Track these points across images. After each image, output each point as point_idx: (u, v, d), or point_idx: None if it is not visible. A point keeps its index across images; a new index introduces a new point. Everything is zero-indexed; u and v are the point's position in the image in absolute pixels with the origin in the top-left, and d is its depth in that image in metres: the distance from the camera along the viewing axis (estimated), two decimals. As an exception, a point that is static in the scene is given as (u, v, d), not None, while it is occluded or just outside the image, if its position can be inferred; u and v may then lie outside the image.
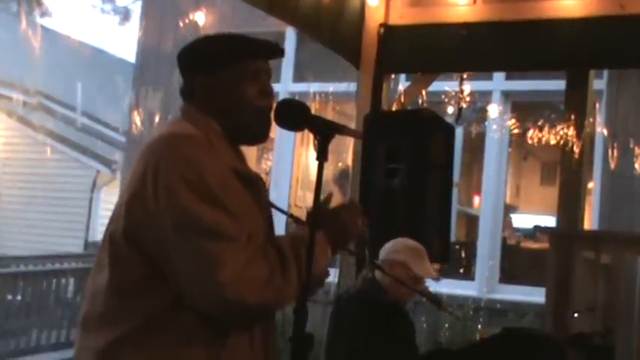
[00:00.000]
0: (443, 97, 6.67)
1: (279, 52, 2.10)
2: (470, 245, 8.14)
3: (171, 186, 1.80)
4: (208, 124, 1.98)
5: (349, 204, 2.06)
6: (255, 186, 2.00)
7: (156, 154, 1.86)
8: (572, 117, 4.92)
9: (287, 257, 1.85)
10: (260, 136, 2.08)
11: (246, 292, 1.77)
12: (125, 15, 17.94)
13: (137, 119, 8.35)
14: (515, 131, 7.89)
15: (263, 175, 2.18)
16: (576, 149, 4.85)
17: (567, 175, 4.98)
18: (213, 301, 1.78)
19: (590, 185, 6.81)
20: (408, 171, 4.44)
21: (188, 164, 1.81)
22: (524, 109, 8.25)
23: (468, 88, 5.90)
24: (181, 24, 6.37)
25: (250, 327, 1.91)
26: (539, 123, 7.86)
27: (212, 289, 1.76)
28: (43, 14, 16.55)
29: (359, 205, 2.08)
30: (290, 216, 2.19)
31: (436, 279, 3.58)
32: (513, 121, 7.77)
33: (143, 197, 1.83)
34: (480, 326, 6.80)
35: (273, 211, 2.13)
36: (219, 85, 2.00)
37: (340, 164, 8.78)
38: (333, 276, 4.43)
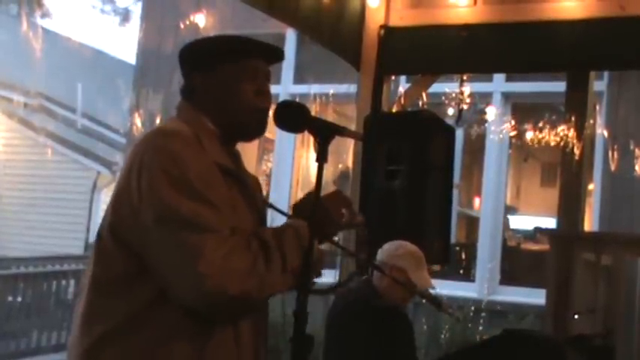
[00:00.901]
0: (443, 98, 6.67)
1: (279, 55, 2.12)
2: (470, 247, 8.15)
3: (153, 180, 1.82)
4: (200, 121, 1.99)
5: (333, 192, 2.04)
6: (245, 184, 2.00)
7: (142, 149, 1.88)
8: (573, 118, 4.93)
9: (270, 246, 1.85)
10: (253, 135, 2.08)
11: (228, 282, 1.76)
12: (125, 16, 17.98)
13: (137, 121, 8.36)
14: (516, 133, 7.89)
15: (263, 177, 2.18)
16: (577, 151, 4.85)
17: (567, 176, 4.98)
18: (195, 294, 1.77)
19: (591, 187, 6.81)
20: (408, 173, 4.44)
21: (171, 159, 1.83)
22: (524, 110, 8.25)
23: (468, 89, 5.92)
24: (182, 25, 6.37)
25: (236, 322, 1.90)
26: (540, 124, 7.86)
27: (193, 280, 1.76)
28: (44, 15, 16.58)
29: (344, 195, 2.07)
30: (290, 217, 2.19)
31: (432, 289, 3.57)
32: (513, 122, 7.77)
33: (128, 192, 1.85)
34: (480, 328, 6.80)
35: (274, 213, 2.13)
36: (216, 82, 2.01)
37: (340, 166, 8.78)
38: (333, 277, 4.42)
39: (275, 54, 2.10)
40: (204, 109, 2.01)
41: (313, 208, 1.90)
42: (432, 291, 3.66)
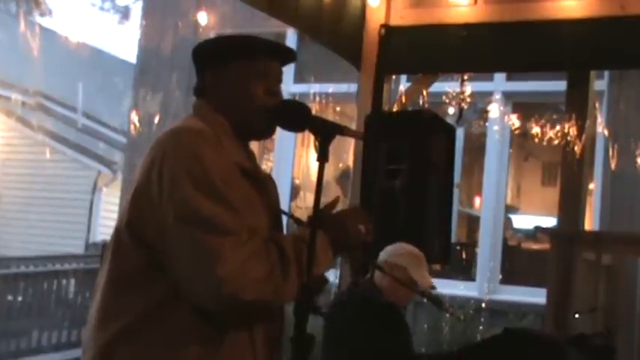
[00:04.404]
0: (444, 97, 6.67)
1: (292, 57, 2.12)
2: (471, 246, 8.14)
3: (175, 179, 1.82)
4: (217, 120, 1.99)
5: (353, 209, 2.06)
6: (263, 185, 2.00)
7: (163, 147, 1.88)
8: (573, 117, 4.92)
9: (288, 256, 1.85)
10: (263, 135, 2.08)
11: (244, 288, 1.77)
12: (124, 14, 17.98)
13: (137, 120, 8.35)
14: (516, 132, 7.89)
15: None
16: (577, 150, 4.85)
17: (568, 175, 4.98)
18: (210, 296, 1.78)
19: (591, 186, 6.80)
20: (408, 172, 4.44)
21: (193, 158, 1.83)
22: (525, 109, 8.24)
23: (468, 88, 5.91)
24: (181, 25, 6.36)
25: (250, 326, 1.90)
26: (540, 124, 7.86)
27: (210, 283, 1.76)
28: (42, 14, 16.57)
29: (364, 211, 2.07)
30: (291, 217, 2.19)
31: (432, 288, 3.58)
32: (514, 121, 7.76)
33: (148, 189, 1.85)
34: (480, 327, 6.80)
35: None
36: (226, 80, 2.02)
37: (341, 165, 8.78)
38: (333, 277, 4.42)
39: (288, 55, 2.11)
40: (216, 106, 2.01)
41: (330, 222, 1.92)
42: (432, 290, 3.67)
